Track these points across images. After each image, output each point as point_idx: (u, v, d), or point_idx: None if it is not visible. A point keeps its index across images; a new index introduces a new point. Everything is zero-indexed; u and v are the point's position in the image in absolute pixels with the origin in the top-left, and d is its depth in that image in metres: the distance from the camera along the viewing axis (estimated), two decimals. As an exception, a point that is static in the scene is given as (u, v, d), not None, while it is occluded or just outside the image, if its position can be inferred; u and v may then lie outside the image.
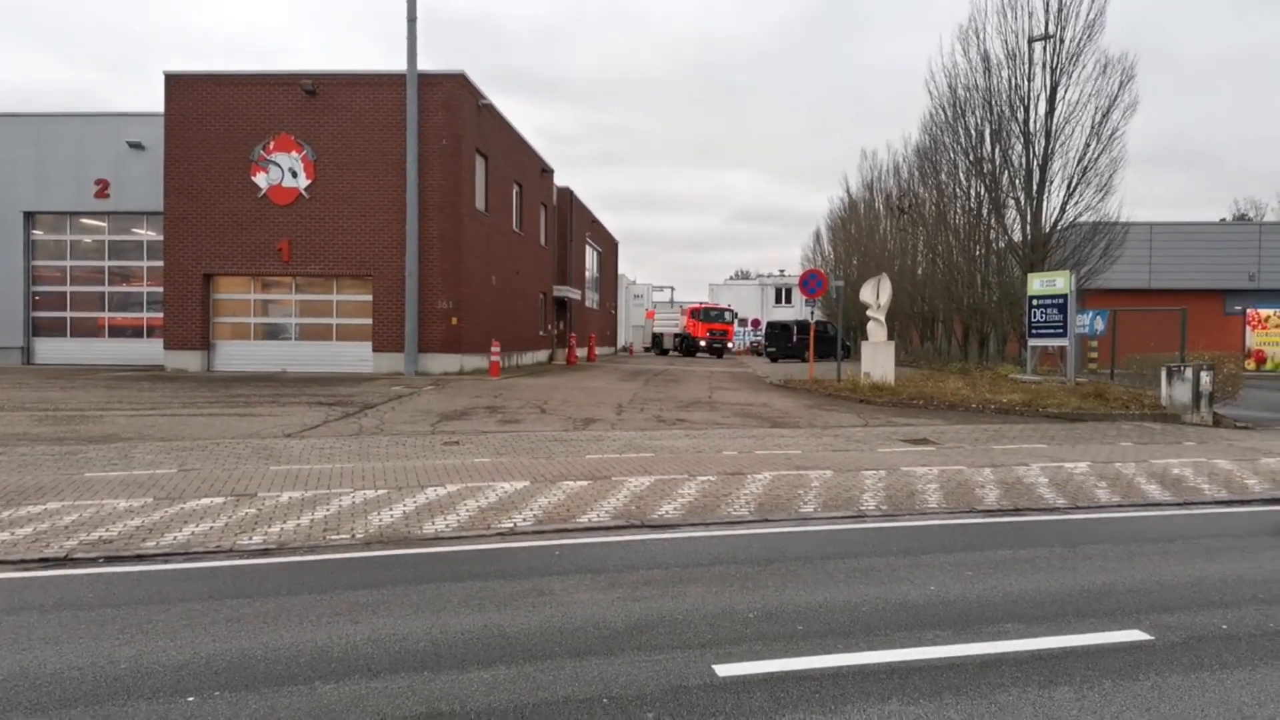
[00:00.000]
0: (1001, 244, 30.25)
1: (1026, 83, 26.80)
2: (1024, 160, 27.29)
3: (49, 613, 5.09)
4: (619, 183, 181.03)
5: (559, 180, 39.85)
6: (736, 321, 58.72)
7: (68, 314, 27.48)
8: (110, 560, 6.23)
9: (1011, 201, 28.43)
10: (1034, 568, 6.21)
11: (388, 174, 24.08)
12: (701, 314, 55.23)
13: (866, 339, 22.58)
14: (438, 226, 24.14)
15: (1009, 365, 27.68)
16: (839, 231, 55.91)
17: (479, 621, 4.96)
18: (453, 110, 24.37)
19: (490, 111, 27.22)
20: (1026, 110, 26.90)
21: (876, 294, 21.82)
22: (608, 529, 7.30)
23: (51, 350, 27.28)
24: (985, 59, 27.67)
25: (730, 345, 54.36)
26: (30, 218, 27.16)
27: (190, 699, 3.88)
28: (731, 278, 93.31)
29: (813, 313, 24.67)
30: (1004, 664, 4.36)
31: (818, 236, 62.77)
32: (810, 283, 23.92)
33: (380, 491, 8.43)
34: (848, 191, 54.52)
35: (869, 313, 22.12)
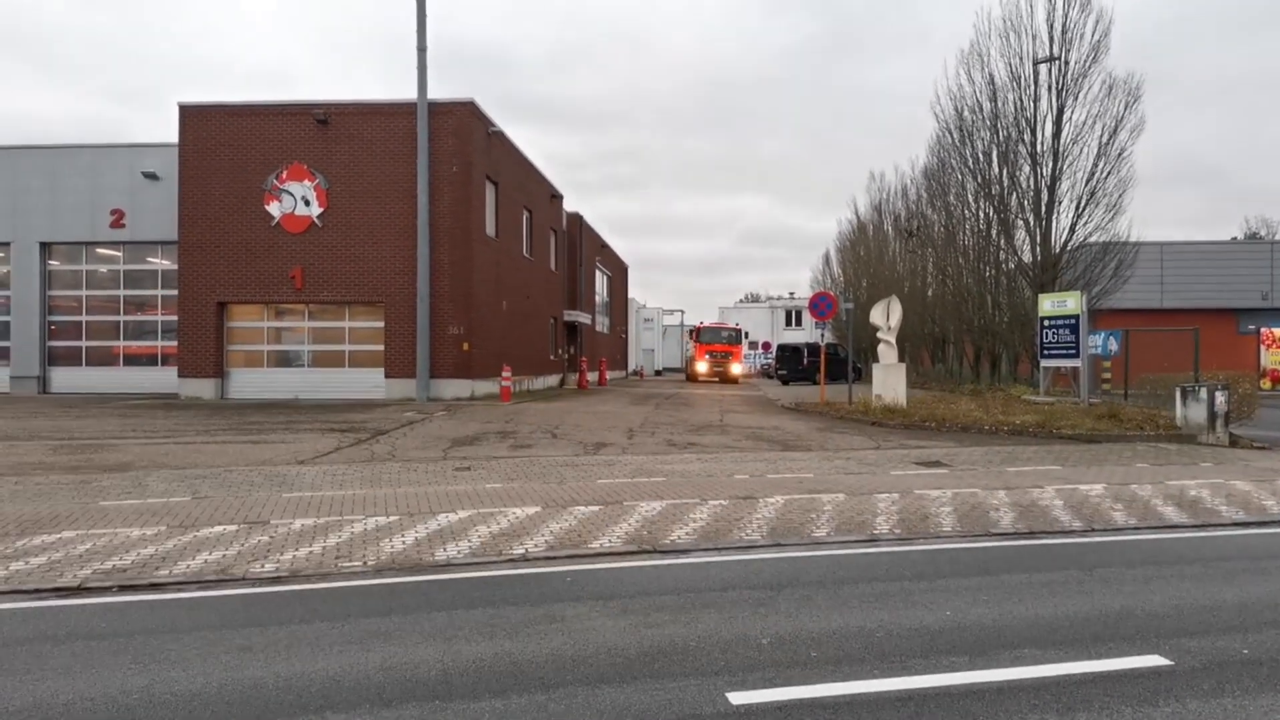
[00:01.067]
0: (1011, 265, 30.22)
1: (1032, 105, 26.93)
2: (1032, 181, 27.35)
3: (62, 643, 5.10)
4: (628, 207, 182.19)
5: (568, 205, 40.10)
6: (745, 342, 52.31)
7: (83, 343, 27.72)
8: (123, 589, 6.24)
9: (1020, 223, 28.47)
10: (1050, 592, 6.15)
11: (399, 201, 24.29)
12: (705, 334, 48.51)
13: (877, 361, 22.53)
14: (448, 253, 24.30)
15: (1021, 386, 27.55)
16: (848, 253, 56.05)
17: (491, 649, 4.94)
18: (463, 138, 24.60)
19: (500, 138, 27.47)
20: (1033, 132, 27.00)
21: (887, 316, 21.79)
22: (619, 555, 7.27)
23: (67, 379, 27.49)
24: (990, 82, 27.85)
25: (738, 368, 47.09)
26: (46, 248, 27.48)
27: (202, 729, 3.87)
28: (742, 300, 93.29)
29: (823, 335, 24.67)
30: (1021, 690, 4.30)
31: (827, 259, 62.95)
32: (820, 305, 23.93)
33: (392, 518, 8.43)
34: (856, 214, 54.72)
35: (879, 335, 22.08)
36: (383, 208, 24.39)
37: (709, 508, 8.98)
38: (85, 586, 6.27)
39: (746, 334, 53.02)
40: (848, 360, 25.88)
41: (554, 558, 7.15)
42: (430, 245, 23.91)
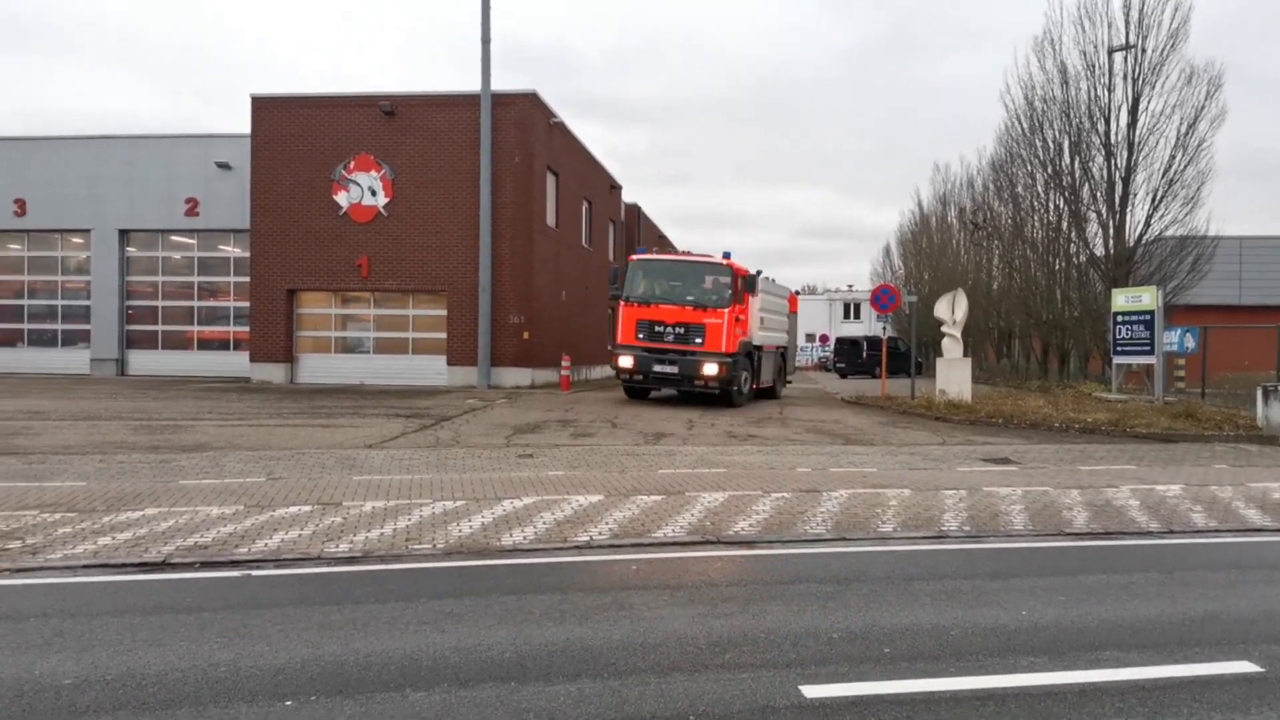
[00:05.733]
0: (1083, 258, 29.38)
1: (1107, 94, 26.11)
2: (1105, 173, 26.53)
3: (150, 615, 5.29)
4: (686, 201, 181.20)
5: (627, 197, 40.15)
6: (757, 299, 20.95)
7: (159, 328, 28.69)
8: (205, 565, 6.45)
9: (1093, 215, 27.66)
10: (1130, 594, 5.98)
11: (462, 191, 24.59)
12: (644, 273, 20.24)
13: (940, 355, 22.13)
14: (510, 243, 24.54)
15: (1092, 383, 26.79)
16: (909, 246, 55.07)
17: (561, 634, 4.99)
18: (525, 128, 24.78)
19: (561, 129, 27.59)
20: (1107, 122, 26.19)
21: (952, 309, 21.38)
22: (683, 544, 7.28)
23: (144, 362, 28.49)
24: (1062, 70, 27.08)
25: (714, 367, 18.94)
26: (125, 235, 28.47)
27: (288, 703, 3.99)
28: (798, 292, 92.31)
29: (885, 328, 24.30)
30: (1104, 693, 4.20)
31: (887, 251, 61.92)
32: (882, 298, 23.57)
33: (459, 503, 8.57)
34: (919, 205, 53.77)
35: (944, 328, 21.68)
36: (447, 198, 24.73)
37: (771, 500, 8.93)
38: (169, 562, 6.49)
39: (759, 275, 21.06)
40: (910, 354, 25.44)
41: (618, 545, 7.19)
42: (492, 235, 24.17)
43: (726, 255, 19.95)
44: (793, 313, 25.69)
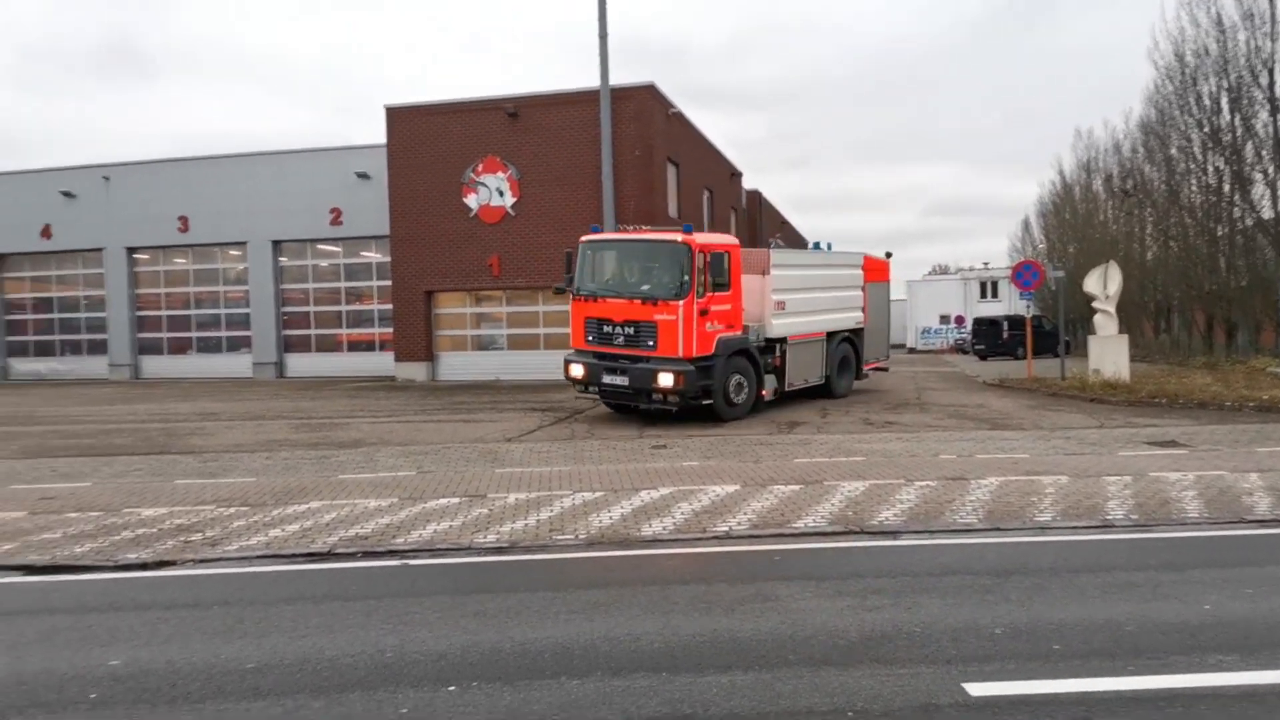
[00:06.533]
0: (1248, 222, 27.03)
1: (1270, 43, 23.91)
2: (1271, 129, 24.36)
3: (320, 603, 5.61)
4: (809, 185, 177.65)
5: (748, 184, 39.69)
6: (771, 277, 16.16)
7: (312, 331, 30.44)
8: (366, 555, 6.79)
9: (1258, 175, 25.42)
10: (1329, 587, 5.45)
11: (585, 187, 24.91)
12: (592, 256, 15.77)
13: (1091, 333, 20.85)
14: (634, 235, 24.68)
15: (1265, 358, 24.65)
16: (1051, 218, 52.16)
17: (708, 625, 4.97)
18: (644, 121, 24.85)
19: (680, 119, 27.52)
20: (1270, 74, 24.01)
21: (1104, 284, 20.09)
22: (825, 535, 7.13)
23: (300, 364, 30.30)
24: (1217, 21, 25.02)
25: (670, 377, 14.10)
26: (277, 245, 30.32)
27: (451, 689, 4.13)
28: (930, 273, 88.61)
29: (1029, 306, 23.10)
30: (1310, 697, 3.83)
31: (1026, 225, 58.96)
32: (1025, 275, 22.35)
33: (597, 494, 8.69)
34: (1060, 174, 50.56)
35: (1096, 304, 20.40)
36: (570, 194, 25.11)
37: (915, 489, 8.64)
38: (334, 552, 6.87)
39: (772, 245, 18.30)
40: (1055, 333, 24.11)
41: (758, 536, 7.12)
42: (615, 229, 24.37)
43: (687, 229, 14.95)
44: (875, 281, 19.79)
